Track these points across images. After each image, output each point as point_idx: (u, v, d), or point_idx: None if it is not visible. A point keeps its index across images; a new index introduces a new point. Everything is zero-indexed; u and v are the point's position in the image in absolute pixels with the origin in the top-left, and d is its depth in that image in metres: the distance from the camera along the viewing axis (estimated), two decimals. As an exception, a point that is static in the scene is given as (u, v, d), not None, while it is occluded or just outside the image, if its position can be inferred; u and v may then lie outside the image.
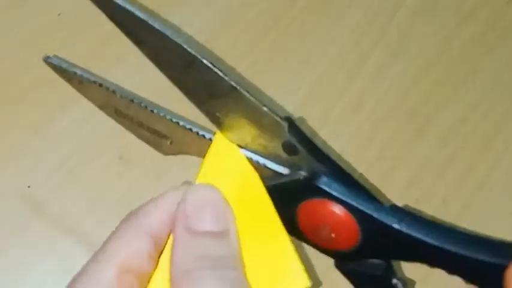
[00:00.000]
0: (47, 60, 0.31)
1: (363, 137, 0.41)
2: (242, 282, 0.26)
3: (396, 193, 0.39)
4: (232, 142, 0.29)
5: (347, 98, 0.42)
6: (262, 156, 0.29)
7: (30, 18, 0.41)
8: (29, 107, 0.38)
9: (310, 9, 0.44)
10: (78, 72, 0.30)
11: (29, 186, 0.36)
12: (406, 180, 0.40)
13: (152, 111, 0.31)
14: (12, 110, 0.38)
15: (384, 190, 0.39)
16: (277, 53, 0.42)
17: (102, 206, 0.36)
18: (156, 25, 0.26)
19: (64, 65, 0.31)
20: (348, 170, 0.28)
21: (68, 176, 0.36)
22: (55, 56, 0.31)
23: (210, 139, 0.30)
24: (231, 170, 0.29)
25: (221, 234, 0.27)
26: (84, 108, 0.39)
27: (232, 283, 0.25)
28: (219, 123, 0.29)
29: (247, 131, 0.28)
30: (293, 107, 0.41)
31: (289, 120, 0.27)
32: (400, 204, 0.39)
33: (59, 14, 0.41)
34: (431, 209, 0.39)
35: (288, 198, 0.28)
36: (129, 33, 0.28)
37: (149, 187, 0.37)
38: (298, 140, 0.27)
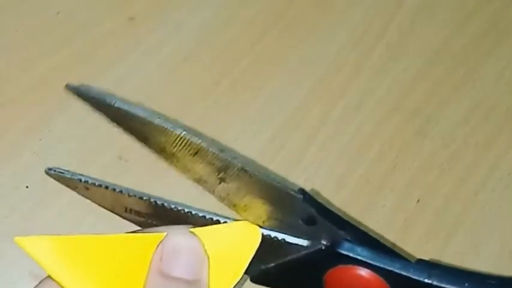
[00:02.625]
0: (48, 172, 0.31)
1: (363, 137, 0.41)
2: None
3: (396, 193, 0.39)
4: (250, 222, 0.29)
5: (347, 98, 0.42)
6: (280, 231, 0.29)
7: (29, 17, 0.41)
8: (28, 107, 0.38)
9: (310, 9, 0.44)
10: (83, 178, 0.30)
11: (27, 187, 0.36)
12: (406, 180, 0.40)
13: (163, 204, 0.31)
14: (11, 110, 0.38)
15: (384, 190, 0.39)
16: (277, 53, 0.42)
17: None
18: (157, 121, 0.27)
19: (67, 175, 0.31)
20: (369, 232, 0.28)
21: (67, 176, 0.36)
22: (56, 168, 0.31)
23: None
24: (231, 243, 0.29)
25: (192, 283, 0.27)
26: (84, 108, 0.39)
27: None
28: (233, 206, 0.29)
29: (262, 209, 0.29)
30: (293, 107, 0.41)
31: (304, 192, 0.28)
32: (400, 204, 0.39)
33: (57, 13, 0.41)
34: (432, 209, 0.39)
35: (313, 269, 0.28)
36: (132, 132, 0.29)
37: (149, 187, 0.37)
38: (316, 210, 0.28)
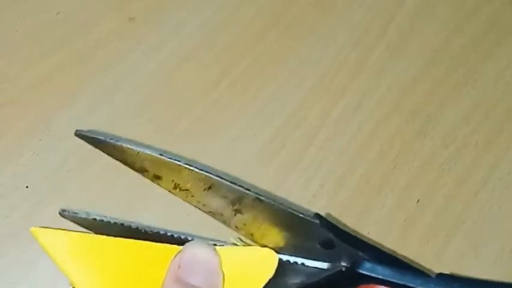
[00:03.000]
0: (62, 214, 0.31)
1: (363, 137, 0.41)
2: None
3: (396, 193, 0.39)
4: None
5: (347, 98, 0.42)
6: (299, 256, 0.30)
7: (29, 17, 0.41)
8: (28, 107, 0.38)
9: (310, 9, 0.44)
10: (98, 217, 0.30)
11: (27, 187, 0.36)
12: (406, 180, 0.40)
13: (180, 236, 0.31)
14: (11, 110, 0.38)
15: (384, 190, 0.39)
16: (277, 53, 0.42)
17: (101, 206, 0.36)
18: (169, 159, 0.28)
19: (81, 215, 0.31)
20: (387, 251, 0.29)
21: (67, 176, 0.36)
22: (70, 209, 0.31)
23: None
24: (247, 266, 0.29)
25: None
26: (83, 107, 0.39)
27: None
28: (250, 235, 0.30)
29: (279, 236, 0.29)
30: (293, 107, 0.41)
31: (320, 217, 0.28)
32: (400, 204, 0.39)
33: (58, 13, 0.41)
34: (432, 209, 0.39)
35: None
36: (143, 171, 0.29)
37: (148, 187, 0.37)
38: (333, 234, 0.28)
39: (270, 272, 0.29)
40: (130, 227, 0.30)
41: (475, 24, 0.46)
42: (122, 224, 0.30)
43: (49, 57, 0.39)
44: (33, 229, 0.28)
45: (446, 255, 0.38)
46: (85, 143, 0.37)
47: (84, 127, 0.38)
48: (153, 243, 0.29)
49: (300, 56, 0.43)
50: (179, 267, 0.27)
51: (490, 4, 0.46)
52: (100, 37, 0.40)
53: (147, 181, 0.37)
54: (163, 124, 0.39)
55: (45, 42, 0.40)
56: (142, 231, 0.30)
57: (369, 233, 0.37)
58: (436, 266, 0.36)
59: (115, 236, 0.29)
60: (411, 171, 0.40)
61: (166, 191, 0.29)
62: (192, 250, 0.28)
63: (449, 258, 0.38)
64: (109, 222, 0.30)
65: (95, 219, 0.30)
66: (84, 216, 0.31)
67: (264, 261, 0.29)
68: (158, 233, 0.30)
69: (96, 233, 0.30)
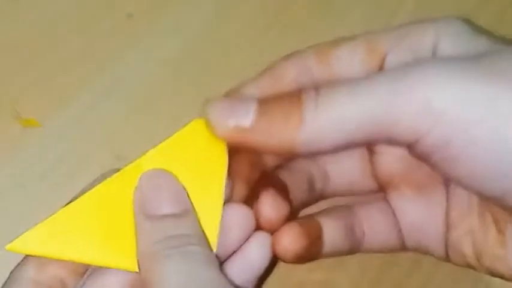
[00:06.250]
0: None
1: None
2: (209, 257, 0.26)
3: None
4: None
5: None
6: None
7: (28, 16, 0.40)
8: (28, 107, 0.38)
9: (310, 9, 0.44)
10: None
11: (26, 187, 0.36)
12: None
13: None
14: (9, 109, 0.37)
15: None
16: (277, 53, 0.42)
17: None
18: None
19: None
20: None
21: (64, 175, 0.36)
22: None
23: None
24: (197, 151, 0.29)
25: (180, 215, 0.27)
26: (81, 107, 0.39)
27: (198, 258, 0.25)
28: None
29: None
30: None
31: None
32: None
33: (57, 12, 0.41)
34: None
35: None
36: None
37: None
38: None
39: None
40: None
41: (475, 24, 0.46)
42: None
43: (48, 56, 0.39)
44: (8, 247, 0.27)
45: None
46: (81, 143, 0.38)
47: (81, 126, 0.38)
48: (112, 177, 0.28)
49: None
50: (143, 204, 0.27)
51: (491, 5, 0.46)
52: (99, 36, 0.40)
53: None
54: (163, 124, 0.38)
55: (44, 41, 0.40)
56: None
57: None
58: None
59: None
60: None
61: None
62: (147, 183, 0.28)
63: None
64: None
65: None
66: None
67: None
68: None
69: None
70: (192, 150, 0.29)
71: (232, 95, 0.31)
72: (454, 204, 0.30)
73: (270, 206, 0.30)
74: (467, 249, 0.30)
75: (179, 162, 0.28)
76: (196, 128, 0.29)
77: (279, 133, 0.26)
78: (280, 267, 0.35)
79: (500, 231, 0.29)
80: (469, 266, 0.31)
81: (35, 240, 0.27)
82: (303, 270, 0.36)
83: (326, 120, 0.26)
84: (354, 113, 0.26)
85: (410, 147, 0.26)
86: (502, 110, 0.24)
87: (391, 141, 0.26)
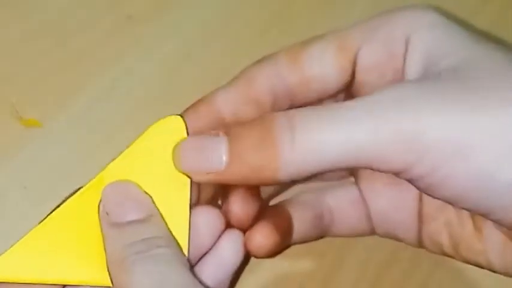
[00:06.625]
0: None
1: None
2: (179, 258, 0.26)
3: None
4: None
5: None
6: None
7: (30, 16, 0.40)
8: (27, 107, 0.38)
9: (310, 9, 0.44)
10: None
11: (25, 187, 0.36)
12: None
13: None
14: (9, 109, 0.37)
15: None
16: (278, 51, 0.42)
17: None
18: None
19: None
20: None
21: (65, 176, 0.36)
22: None
23: None
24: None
25: (145, 220, 0.27)
26: (82, 107, 0.39)
27: (168, 260, 0.25)
28: None
29: None
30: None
31: None
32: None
33: (57, 12, 0.41)
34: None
35: None
36: None
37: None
38: None
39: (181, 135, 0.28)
40: None
41: (477, 25, 0.46)
42: None
43: (48, 56, 0.39)
44: None
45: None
46: (82, 143, 0.38)
47: (82, 127, 0.38)
48: (76, 195, 0.28)
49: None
50: (107, 214, 0.27)
51: (493, 4, 0.46)
52: (99, 36, 0.40)
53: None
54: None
55: (44, 41, 0.40)
56: None
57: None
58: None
59: None
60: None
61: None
62: (111, 195, 0.28)
63: (449, 258, 0.37)
64: None
65: None
66: None
67: (173, 132, 0.29)
68: None
69: None
70: (154, 155, 0.29)
71: (202, 108, 0.31)
72: (428, 197, 0.30)
73: (239, 204, 0.29)
74: (445, 240, 0.31)
75: (142, 169, 0.28)
76: (156, 132, 0.29)
77: (253, 172, 0.26)
78: (280, 267, 0.35)
79: (478, 228, 0.29)
80: (445, 254, 0.31)
81: (4, 268, 0.27)
82: (303, 270, 0.36)
83: (305, 153, 0.25)
84: (335, 142, 0.25)
85: (395, 174, 0.26)
86: (483, 138, 0.24)
87: (374, 169, 0.26)
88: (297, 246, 0.34)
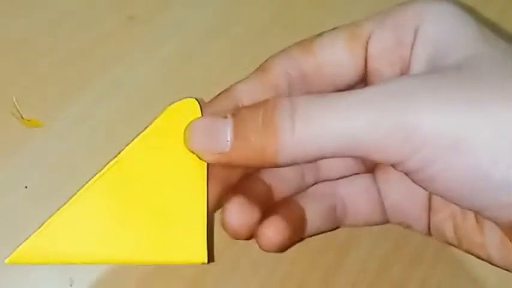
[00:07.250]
0: None
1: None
2: None
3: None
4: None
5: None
6: None
7: (30, 16, 0.41)
8: (28, 107, 0.38)
9: (310, 9, 0.44)
10: None
11: (26, 187, 0.36)
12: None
13: None
14: (9, 109, 0.38)
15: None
16: (280, 49, 0.42)
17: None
18: None
19: None
20: None
21: (66, 175, 0.36)
22: None
23: None
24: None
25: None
26: (83, 107, 0.39)
27: None
28: None
29: None
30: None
31: None
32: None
33: (57, 12, 0.41)
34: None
35: None
36: None
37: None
38: None
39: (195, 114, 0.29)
40: None
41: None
42: None
43: (48, 56, 0.39)
44: (8, 260, 0.27)
45: (446, 254, 0.38)
46: (83, 143, 0.38)
47: (83, 127, 0.38)
48: (98, 175, 0.29)
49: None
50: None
51: (490, 5, 0.46)
52: (99, 36, 0.40)
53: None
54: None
55: (44, 42, 0.40)
56: None
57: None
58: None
59: None
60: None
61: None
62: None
63: (449, 258, 0.37)
64: None
65: None
66: None
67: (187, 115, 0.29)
68: None
69: None
70: (170, 137, 0.29)
71: (223, 97, 0.31)
72: None
73: (234, 214, 0.29)
74: (449, 232, 0.31)
75: (159, 151, 0.29)
76: (172, 114, 0.29)
77: (255, 154, 0.26)
78: (280, 267, 0.35)
79: (479, 222, 0.30)
80: (451, 244, 0.32)
81: (34, 249, 0.27)
82: (303, 270, 0.36)
83: (304, 138, 0.25)
84: (334, 130, 0.25)
85: (392, 166, 0.26)
86: (480, 135, 0.24)
87: (371, 159, 0.26)
88: (297, 245, 0.34)
